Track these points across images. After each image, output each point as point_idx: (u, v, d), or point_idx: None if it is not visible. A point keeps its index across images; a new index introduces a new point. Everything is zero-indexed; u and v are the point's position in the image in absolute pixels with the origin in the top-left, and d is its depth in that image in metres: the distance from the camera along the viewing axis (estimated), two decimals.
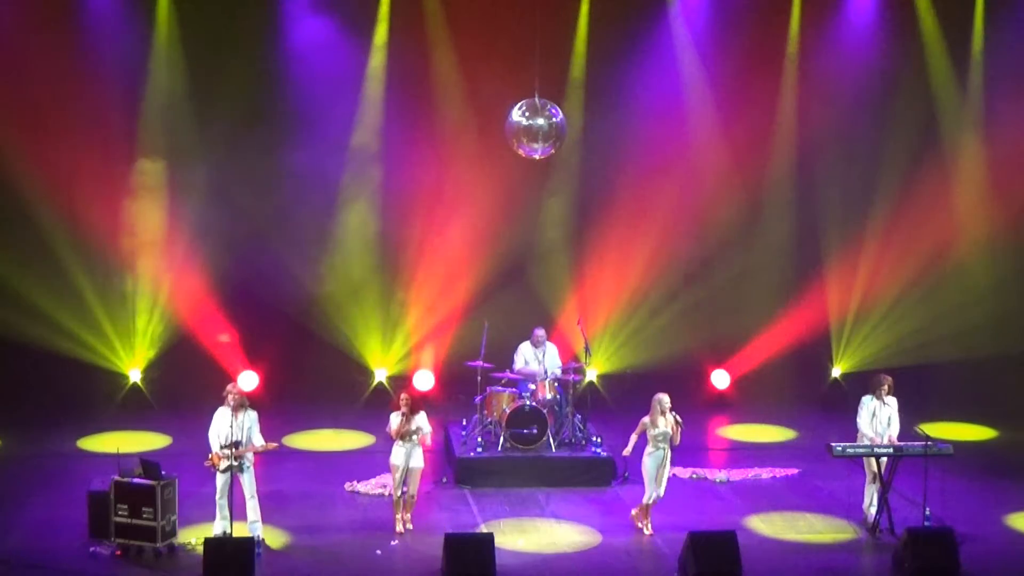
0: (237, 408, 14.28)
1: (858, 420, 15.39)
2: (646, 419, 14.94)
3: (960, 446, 17.02)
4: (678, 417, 14.86)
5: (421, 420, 15.01)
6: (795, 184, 21.17)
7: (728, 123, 20.67)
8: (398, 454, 15.01)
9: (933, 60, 21.03)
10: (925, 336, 21.11)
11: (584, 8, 20.52)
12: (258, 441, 14.35)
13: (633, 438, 15.06)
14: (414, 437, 14.95)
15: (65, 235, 19.67)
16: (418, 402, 15.21)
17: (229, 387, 14.54)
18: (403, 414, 14.95)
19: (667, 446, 14.88)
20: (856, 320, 21.54)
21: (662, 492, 14.99)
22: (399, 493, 15.05)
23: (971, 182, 21.21)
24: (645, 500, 15.04)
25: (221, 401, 14.41)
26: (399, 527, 15.00)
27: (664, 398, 14.92)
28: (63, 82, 19.22)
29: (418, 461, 15.03)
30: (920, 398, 17.22)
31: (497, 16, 19.55)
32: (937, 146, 21.19)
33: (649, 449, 14.93)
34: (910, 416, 15.60)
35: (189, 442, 17.53)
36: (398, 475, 15.00)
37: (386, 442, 18.73)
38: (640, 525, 15.13)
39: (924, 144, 21.12)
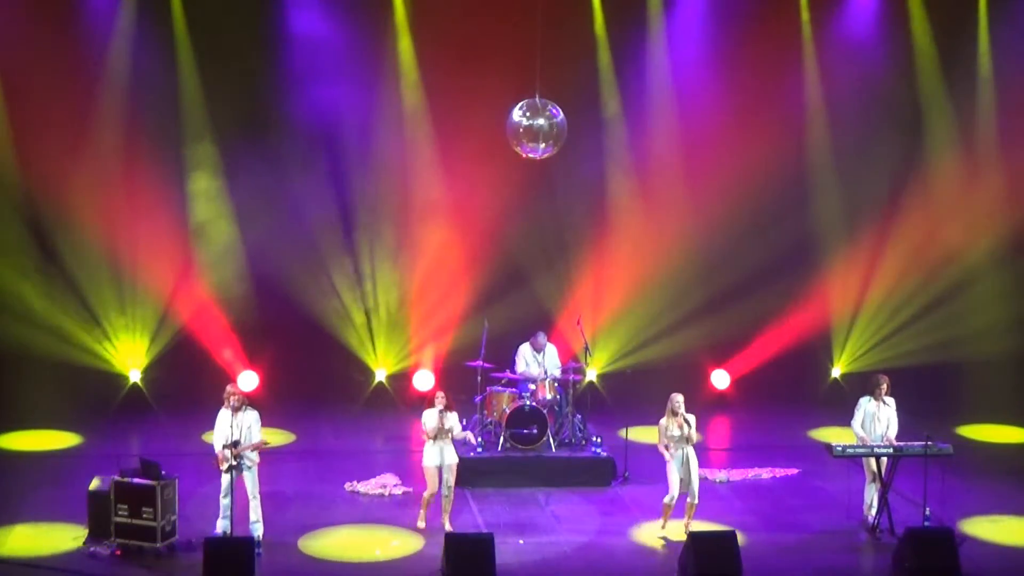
0: (237, 408, 14.29)
1: (852, 421, 15.40)
2: (662, 421, 14.91)
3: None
4: (687, 416, 14.80)
5: (453, 420, 15.01)
6: (796, 183, 21.12)
7: (728, 125, 20.63)
8: (432, 454, 14.97)
9: (932, 64, 21.06)
10: (925, 336, 21.13)
11: (596, 6, 20.63)
12: (256, 440, 14.34)
13: (660, 448, 14.97)
14: (447, 436, 14.94)
15: (65, 235, 19.69)
16: (452, 402, 15.13)
17: (229, 388, 14.54)
18: (439, 412, 14.91)
19: (685, 446, 14.85)
20: (856, 320, 21.56)
21: (695, 495, 14.87)
22: (431, 492, 15.00)
23: (973, 183, 21.20)
24: (664, 500, 15.00)
25: (222, 402, 14.41)
26: (421, 524, 14.99)
27: (673, 398, 14.88)
28: (56, 80, 19.22)
29: (452, 457, 15.03)
30: (918, 399, 17.18)
31: (499, 13, 19.52)
32: (938, 147, 21.19)
33: (671, 450, 14.94)
34: (907, 416, 15.59)
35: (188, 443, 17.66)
36: (432, 475, 14.95)
37: (386, 442, 18.91)
38: (661, 520, 15.08)
39: (925, 145, 21.15)
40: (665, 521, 15.03)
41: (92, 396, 19.71)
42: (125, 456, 15.63)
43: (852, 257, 21.37)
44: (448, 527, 14.88)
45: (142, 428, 19.17)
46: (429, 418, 14.98)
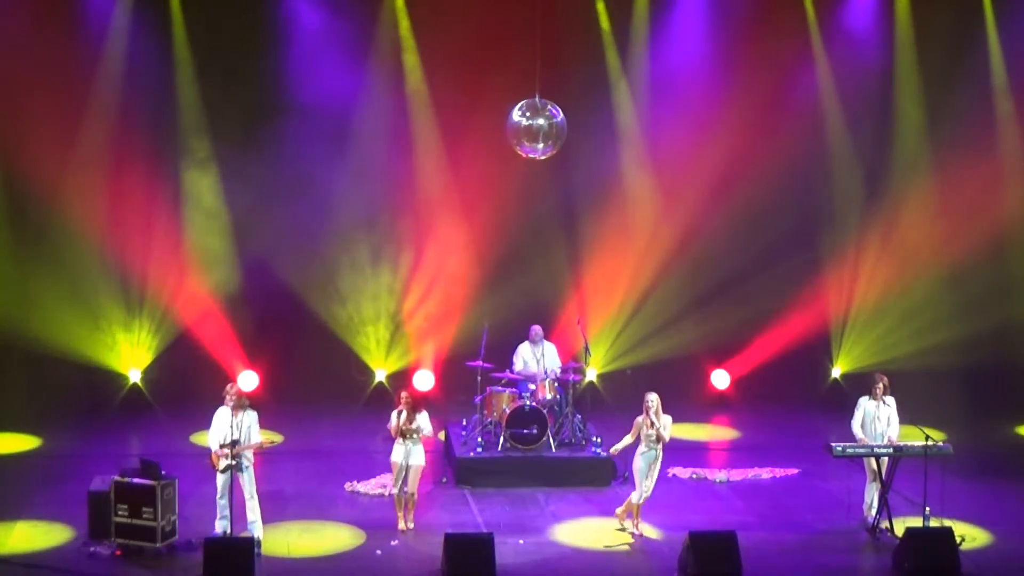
0: (236, 408, 14.28)
1: (852, 421, 15.39)
2: (639, 419, 14.92)
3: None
4: (654, 418, 14.76)
5: (423, 420, 15.03)
6: (796, 183, 21.07)
7: (727, 124, 20.61)
8: (398, 452, 15.03)
9: (928, 59, 21.05)
10: (924, 338, 21.11)
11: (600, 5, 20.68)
12: (256, 440, 14.34)
13: (626, 439, 14.99)
14: (415, 435, 14.95)
15: (64, 235, 19.68)
16: (420, 402, 15.20)
17: (228, 387, 14.56)
18: (403, 412, 14.94)
19: (658, 446, 14.85)
20: (856, 320, 21.54)
21: (649, 491, 14.94)
22: (398, 491, 15.05)
23: (971, 184, 21.15)
24: (634, 499, 15.00)
25: (221, 401, 14.41)
26: (401, 525, 15.01)
27: (649, 397, 14.88)
28: (56, 76, 19.24)
29: (418, 459, 15.04)
30: (914, 400, 17.17)
31: (499, 13, 19.50)
32: (937, 148, 21.15)
33: (641, 448, 14.92)
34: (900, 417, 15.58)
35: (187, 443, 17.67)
36: (398, 473, 14.99)
37: (385, 442, 18.91)
38: (624, 524, 15.09)
39: (924, 145, 21.13)
40: (637, 521, 15.03)
41: (92, 396, 19.74)
42: (124, 456, 15.62)
43: (854, 256, 21.38)
44: (410, 525, 14.94)
45: (142, 428, 19.17)
46: (392, 418, 15.03)
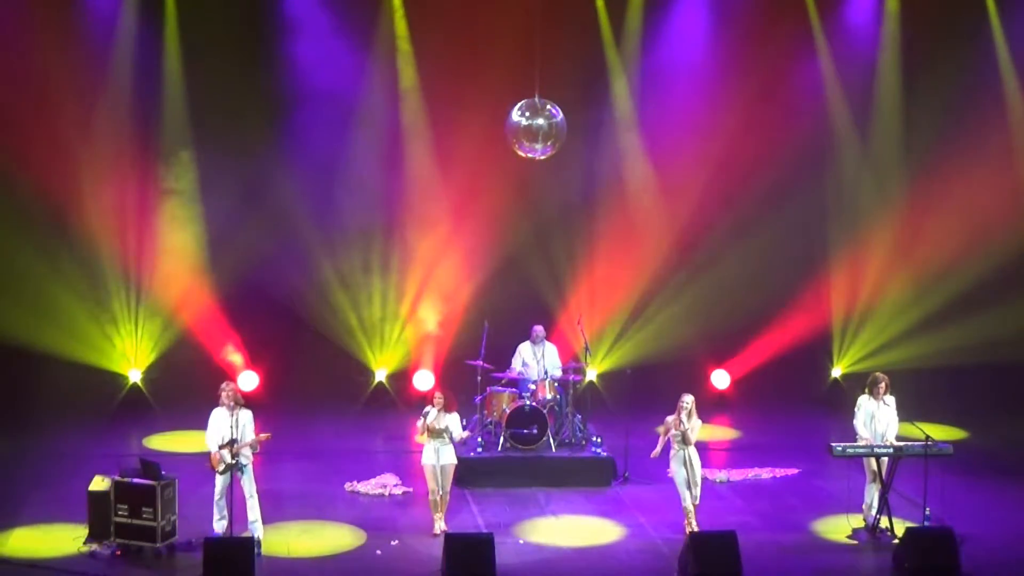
0: (234, 406, 14.23)
1: (854, 421, 15.38)
2: (669, 418, 14.87)
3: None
4: (683, 417, 14.76)
5: (453, 421, 14.95)
6: (797, 181, 21.09)
7: (728, 122, 20.62)
8: (429, 454, 14.93)
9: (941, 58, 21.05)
10: (924, 338, 21.12)
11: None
12: (251, 438, 14.29)
13: (660, 441, 14.94)
14: (444, 436, 14.91)
15: (65, 235, 19.70)
16: (453, 402, 15.10)
17: (224, 385, 14.43)
18: (426, 412, 14.87)
19: (686, 447, 14.82)
20: (857, 320, 21.54)
21: (697, 496, 14.83)
22: (432, 491, 14.91)
23: (976, 182, 21.13)
24: (686, 505, 14.85)
25: (216, 401, 14.37)
26: (436, 528, 14.85)
27: (685, 398, 14.81)
28: (62, 78, 19.26)
29: (449, 458, 14.96)
30: (911, 400, 17.21)
31: (499, 13, 19.51)
32: (941, 145, 21.14)
33: (672, 451, 14.92)
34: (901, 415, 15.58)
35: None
36: (432, 474, 14.89)
37: (386, 442, 18.93)
38: (686, 523, 15.03)
39: (925, 146, 21.12)
40: (691, 520, 14.88)
41: (92, 396, 19.74)
42: (125, 456, 15.63)
43: (855, 255, 21.39)
44: (443, 527, 14.86)
45: (142, 428, 19.18)
46: (426, 415, 14.95)
